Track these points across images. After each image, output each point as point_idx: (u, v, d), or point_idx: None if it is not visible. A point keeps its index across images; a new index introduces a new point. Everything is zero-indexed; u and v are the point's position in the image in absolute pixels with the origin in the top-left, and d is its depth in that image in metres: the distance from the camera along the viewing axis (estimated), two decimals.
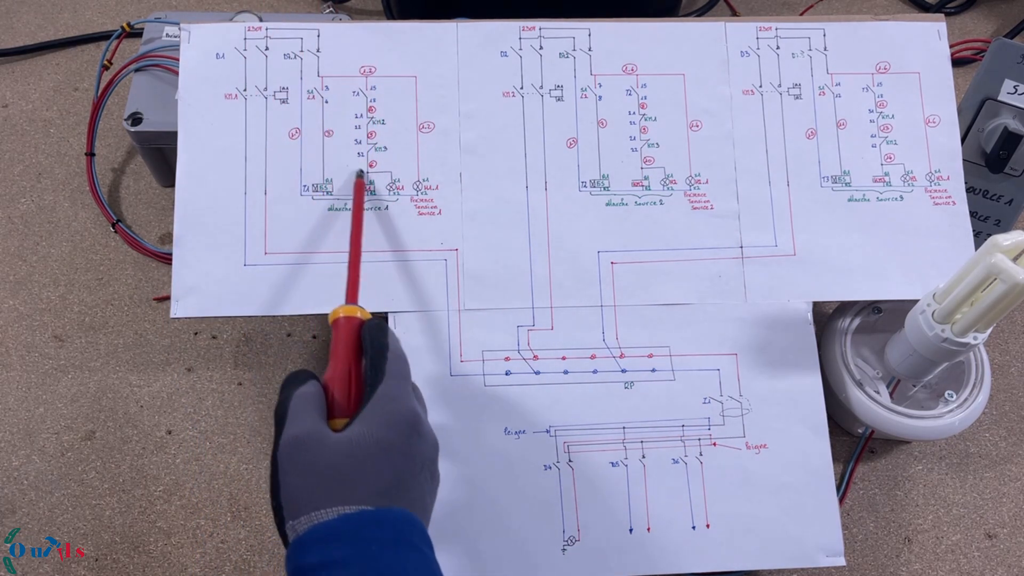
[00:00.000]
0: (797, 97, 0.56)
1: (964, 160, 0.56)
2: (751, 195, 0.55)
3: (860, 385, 0.54)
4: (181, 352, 0.62)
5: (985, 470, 0.59)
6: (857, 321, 0.56)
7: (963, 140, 0.58)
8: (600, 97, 0.55)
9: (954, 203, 0.55)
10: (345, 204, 0.53)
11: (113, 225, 0.66)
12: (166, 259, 0.65)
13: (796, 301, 0.54)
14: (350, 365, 0.39)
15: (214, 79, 0.54)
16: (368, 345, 0.39)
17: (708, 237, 0.54)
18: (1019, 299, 0.42)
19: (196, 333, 0.62)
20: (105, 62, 0.65)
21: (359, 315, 0.41)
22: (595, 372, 0.52)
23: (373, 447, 0.35)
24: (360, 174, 0.52)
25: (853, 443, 0.59)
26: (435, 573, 0.35)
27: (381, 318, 0.38)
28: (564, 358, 0.52)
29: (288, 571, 0.34)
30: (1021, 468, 0.60)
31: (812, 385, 0.53)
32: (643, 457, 0.51)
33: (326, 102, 0.54)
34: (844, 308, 0.57)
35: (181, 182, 0.52)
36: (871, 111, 0.56)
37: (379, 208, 0.53)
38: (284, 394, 0.37)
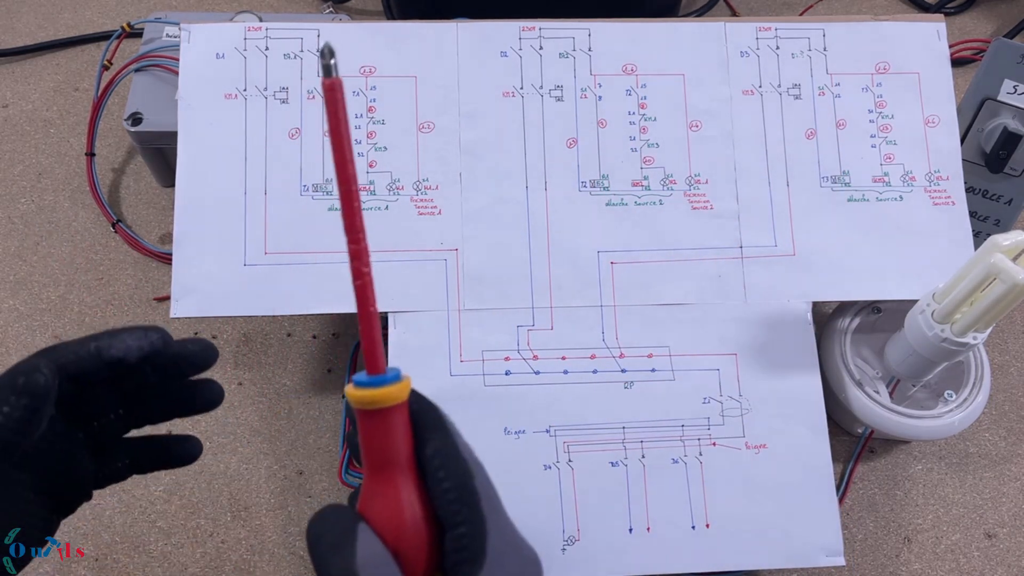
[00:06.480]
0: (797, 97, 0.56)
1: (964, 160, 0.56)
2: (751, 195, 0.55)
3: (860, 385, 0.54)
4: None
5: (985, 470, 0.59)
6: (857, 321, 0.56)
7: (963, 140, 0.58)
8: (600, 97, 0.55)
9: (954, 203, 0.55)
10: None
11: (113, 225, 0.66)
12: (166, 259, 0.65)
13: (796, 301, 0.54)
14: (411, 487, 0.28)
15: (214, 79, 0.54)
16: (446, 487, 0.28)
17: (708, 237, 0.54)
18: (1019, 299, 0.42)
19: (196, 333, 0.62)
20: (105, 62, 0.65)
21: (402, 396, 0.27)
22: (595, 372, 0.52)
23: None
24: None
25: (853, 443, 0.59)
26: None
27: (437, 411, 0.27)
28: (564, 358, 0.52)
29: None
30: (1021, 468, 0.60)
31: (812, 385, 0.53)
32: (643, 457, 0.51)
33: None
34: (844, 308, 0.57)
35: (181, 182, 0.52)
36: (871, 111, 0.56)
37: (379, 208, 0.53)
38: (335, 565, 0.26)
